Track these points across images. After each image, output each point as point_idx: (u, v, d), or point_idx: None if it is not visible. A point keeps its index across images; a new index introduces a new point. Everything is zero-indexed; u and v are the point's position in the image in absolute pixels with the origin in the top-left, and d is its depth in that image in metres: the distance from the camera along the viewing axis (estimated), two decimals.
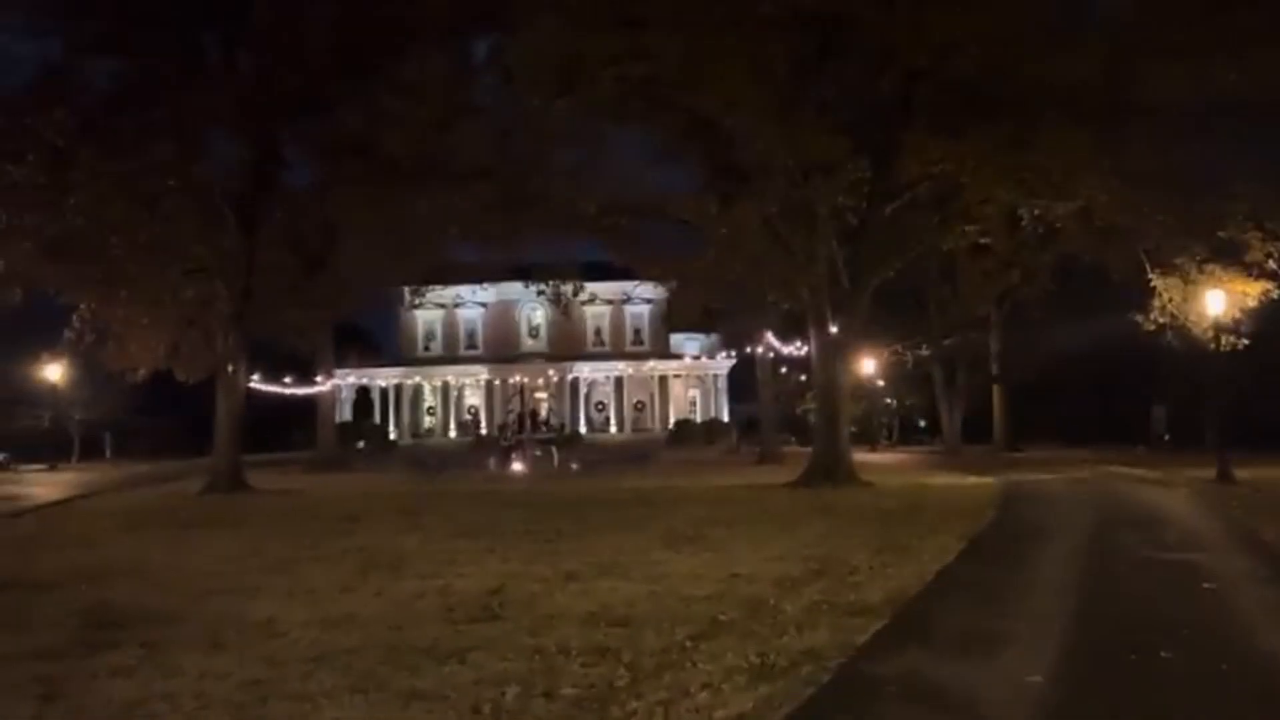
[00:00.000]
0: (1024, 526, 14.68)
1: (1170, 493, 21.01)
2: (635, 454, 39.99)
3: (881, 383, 52.15)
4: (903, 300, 49.73)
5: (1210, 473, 24.07)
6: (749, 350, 40.97)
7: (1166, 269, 24.38)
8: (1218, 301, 23.29)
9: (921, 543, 12.99)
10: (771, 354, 40.24)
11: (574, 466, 36.12)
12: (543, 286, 35.52)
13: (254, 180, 26.54)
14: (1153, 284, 24.89)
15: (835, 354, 25.24)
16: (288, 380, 40.18)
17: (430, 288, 44.35)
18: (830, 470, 24.79)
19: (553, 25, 18.42)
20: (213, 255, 26.39)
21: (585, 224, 22.31)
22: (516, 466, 36.29)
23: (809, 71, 21.97)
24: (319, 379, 40.17)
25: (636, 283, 53.63)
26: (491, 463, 37.33)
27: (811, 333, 26.23)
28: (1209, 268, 23.38)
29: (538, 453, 38.31)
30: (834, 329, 25.13)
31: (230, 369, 27.40)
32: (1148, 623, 7.92)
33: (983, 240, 23.16)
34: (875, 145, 24.28)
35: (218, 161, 26.52)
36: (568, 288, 35.02)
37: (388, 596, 9.87)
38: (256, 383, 39.62)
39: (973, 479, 26.44)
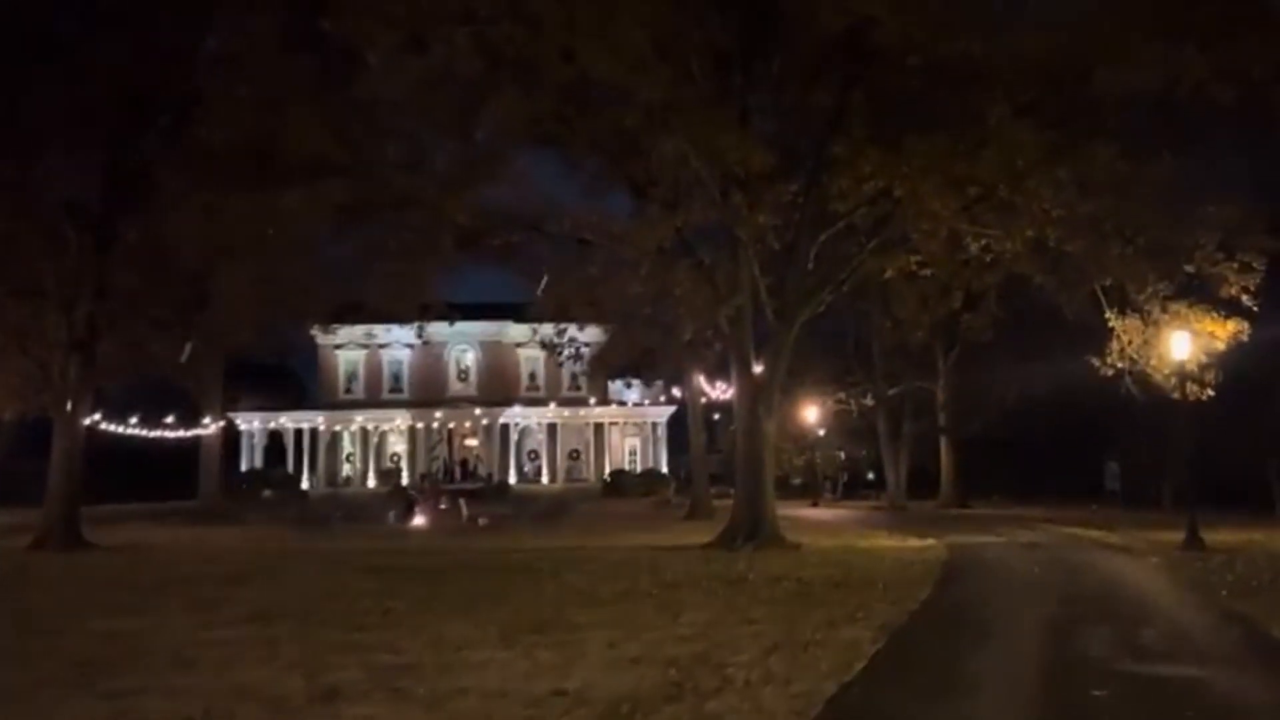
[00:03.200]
0: (962, 616, 11.52)
1: (1137, 564, 18.12)
2: (555, 507, 36.63)
3: (822, 432, 49.34)
4: (844, 346, 47.43)
5: (1173, 535, 21.43)
6: (680, 395, 37.88)
7: (1126, 307, 21.83)
8: (1183, 345, 20.70)
9: (829, 636, 9.90)
10: (703, 398, 37.26)
11: (481, 522, 32.69)
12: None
13: (103, 190, 23.18)
14: (1110, 324, 22.32)
15: (760, 397, 22.25)
16: (168, 422, 36.33)
17: (336, 326, 40.60)
18: (752, 530, 21.70)
19: None
20: (50, 275, 22.88)
21: (465, 238, 19.15)
22: (418, 521, 32.80)
23: (730, 68, 19.25)
24: (205, 421, 36.35)
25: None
26: (391, 516, 33.75)
27: (734, 373, 23.30)
28: (1174, 306, 20.84)
29: (443, 505, 34.80)
30: (758, 368, 22.21)
31: (69, 407, 23.76)
32: None
33: (921, 269, 20.39)
34: (806, 167, 21.76)
35: (59, 169, 23.07)
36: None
37: None
38: (132, 426, 35.95)
39: (914, 541, 23.48)
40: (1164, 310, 21.04)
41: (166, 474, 45.26)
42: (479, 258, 22.00)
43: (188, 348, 27.06)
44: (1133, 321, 21.92)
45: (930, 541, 22.96)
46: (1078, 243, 19.35)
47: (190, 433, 36.74)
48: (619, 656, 9.25)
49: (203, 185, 18.99)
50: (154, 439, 41.34)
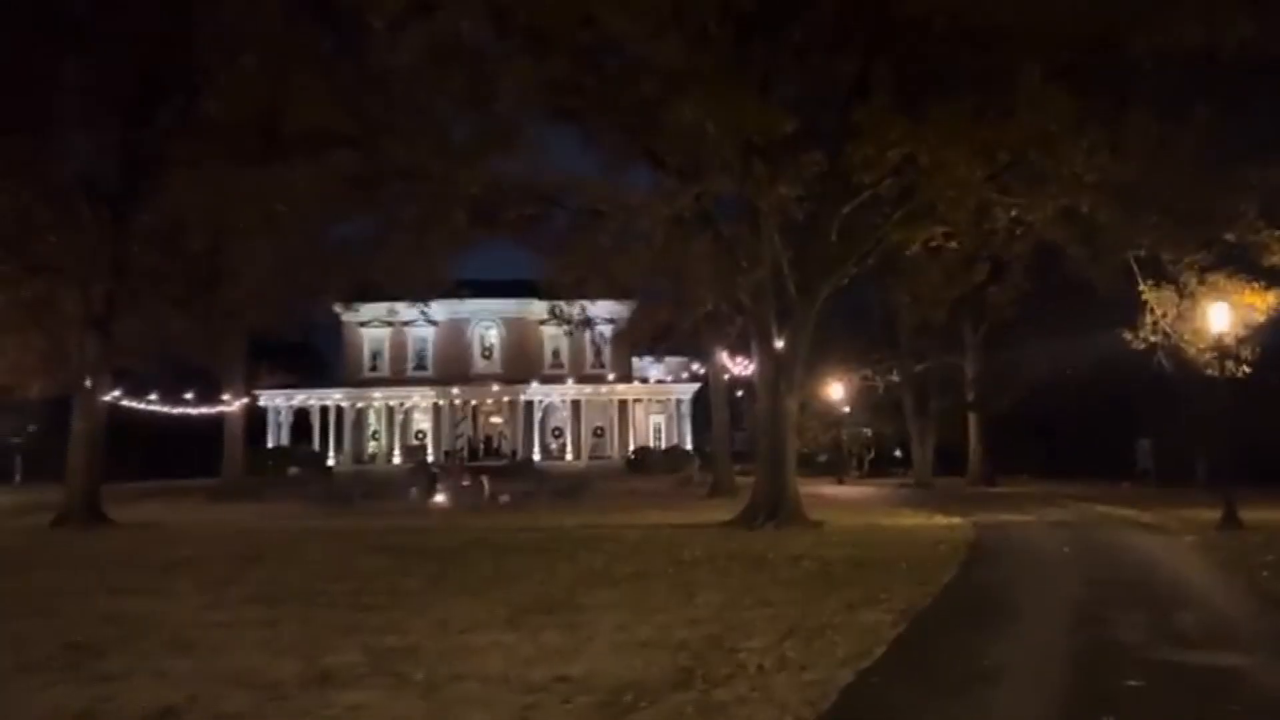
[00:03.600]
0: (988, 599, 11.04)
1: (1171, 543, 17.53)
2: (577, 485, 36.35)
3: (847, 409, 48.73)
4: (870, 321, 46.74)
5: (1208, 514, 20.75)
6: (703, 372, 37.40)
7: (1160, 279, 21.13)
8: (1220, 317, 19.96)
9: (848, 620, 9.50)
10: (726, 375, 36.77)
11: (503, 500, 32.48)
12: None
13: (120, 167, 22.95)
14: (1144, 297, 21.63)
15: (781, 374, 21.78)
16: (191, 400, 36.33)
17: (357, 305, 40.33)
18: (773, 508, 21.29)
19: None
20: (66, 252, 22.73)
21: (479, 212, 18.66)
22: (439, 499, 32.62)
23: (751, 34, 18.62)
24: (227, 399, 36.32)
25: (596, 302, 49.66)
26: (413, 493, 33.61)
27: (755, 348, 22.83)
28: (1211, 277, 20.11)
29: (465, 483, 34.60)
30: (779, 344, 21.71)
31: (88, 384, 23.68)
32: None
33: (947, 241, 19.71)
34: (828, 136, 21.13)
35: (75, 146, 22.87)
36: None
37: None
38: (155, 404, 36.01)
39: (939, 519, 22.99)
40: (1200, 281, 20.34)
41: (191, 452, 45.52)
42: (494, 232, 21.53)
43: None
44: (1167, 293, 21.24)
45: (956, 520, 22.45)
46: (1111, 210, 18.64)
47: (213, 410, 36.67)
48: (628, 640, 8.90)
49: (210, 160, 18.66)
50: (178, 416, 41.37)
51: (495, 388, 59.29)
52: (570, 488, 35.15)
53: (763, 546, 16.87)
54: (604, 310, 53.30)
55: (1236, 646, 8.23)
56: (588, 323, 32.07)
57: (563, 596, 11.55)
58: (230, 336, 34.22)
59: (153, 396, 39.35)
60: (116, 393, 37.86)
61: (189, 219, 19.91)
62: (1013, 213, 20.17)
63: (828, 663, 7.65)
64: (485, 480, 35.11)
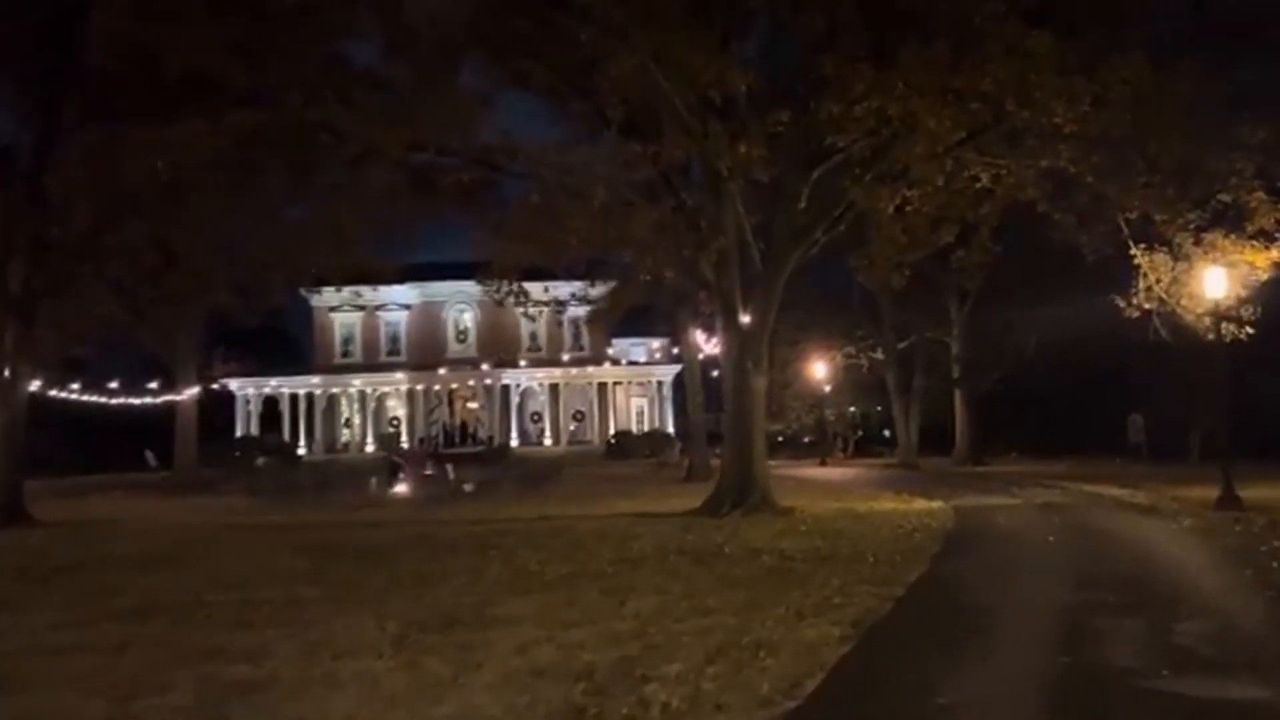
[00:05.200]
0: (956, 604, 9.45)
1: (1167, 528, 16.08)
2: (546, 471, 34.90)
3: (828, 389, 47.31)
4: (852, 296, 45.21)
5: (1204, 492, 19.42)
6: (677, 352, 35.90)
7: (1153, 242, 19.67)
8: (1218, 280, 18.53)
9: (788, 636, 7.99)
10: (700, 354, 35.29)
11: (466, 488, 30.99)
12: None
13: (33, 135, 21.24)
14: (1136, 261, 20.16)
15: (748, 350, 20.26)
16: (145, 389, 34.69)
17: (321, 289, 38.64)
18: (741, 495, 19.83)
19: None
20: None
21: (416, 180, 17.01)
22: (400, 489, 31.11)
23: None
24: (180, 388, 34.68)
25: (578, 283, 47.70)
26: (373, 483, 32.06)
27: (719, 324, 21.32)
28: (1207, 237, 18.65)
29: (428, 471, 33.06)
30: (745, 318, 20.18)
31: (6, 373, 22.05)
32: None
33: (907, 205, 18.13)
34: (797, 97, 19.57)
35: None
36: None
37: None
38: (114, 393, 34.42)
39: (919, 503, 21.55)
40: (1196, 243, 18.87)
41: (149, 444, 43.80)
42: (436, 205, 19.86)
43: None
44: (1161, 257, 19.79)
45: (937, 504, 21.02)
46: (1094, 165, 17.14)
47: (162, 399, 35.02)
48: (522, 667, 7.41)
49: (94, 120, 16.93)
50: (138, 407, 39.77)
51: (476, 370, 57.69)
52: (539, 474, 33.68)
53: (722, 538, 15.40)
54: (575, 290, 51.70)
55: (1254, 670, 6.59)
56: (560, 304, 30.51)
57: (474, 606, 10.06)
58: (179, 322, 32.51)
59: (113, 386, 37.71)
60: (75, 385, 36.28)
61: (73, 185, 18.15)
62: (987, 175, 18.67)
63: (747, 700, 6.15)
64: (450, 468, 33.61)
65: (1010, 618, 8.79)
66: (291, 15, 15.49)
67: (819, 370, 45.55)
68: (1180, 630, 7.86)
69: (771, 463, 25.16)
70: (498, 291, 20.58)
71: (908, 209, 17.70)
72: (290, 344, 63.88)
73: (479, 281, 22.27)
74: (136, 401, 35.00)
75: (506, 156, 17.57)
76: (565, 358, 57.67)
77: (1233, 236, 18.45)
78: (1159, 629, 7.89)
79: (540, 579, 11.94)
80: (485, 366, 57.41)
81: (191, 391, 35.81)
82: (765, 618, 8.82)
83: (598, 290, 43.90)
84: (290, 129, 15.55)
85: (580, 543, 15.63)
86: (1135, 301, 20.51)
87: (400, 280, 53.30)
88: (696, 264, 20.08)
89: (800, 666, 6.91)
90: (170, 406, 36.26)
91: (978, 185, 17.84)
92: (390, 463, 34.02)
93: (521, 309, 21.76)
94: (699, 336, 33.75)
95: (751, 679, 6.67)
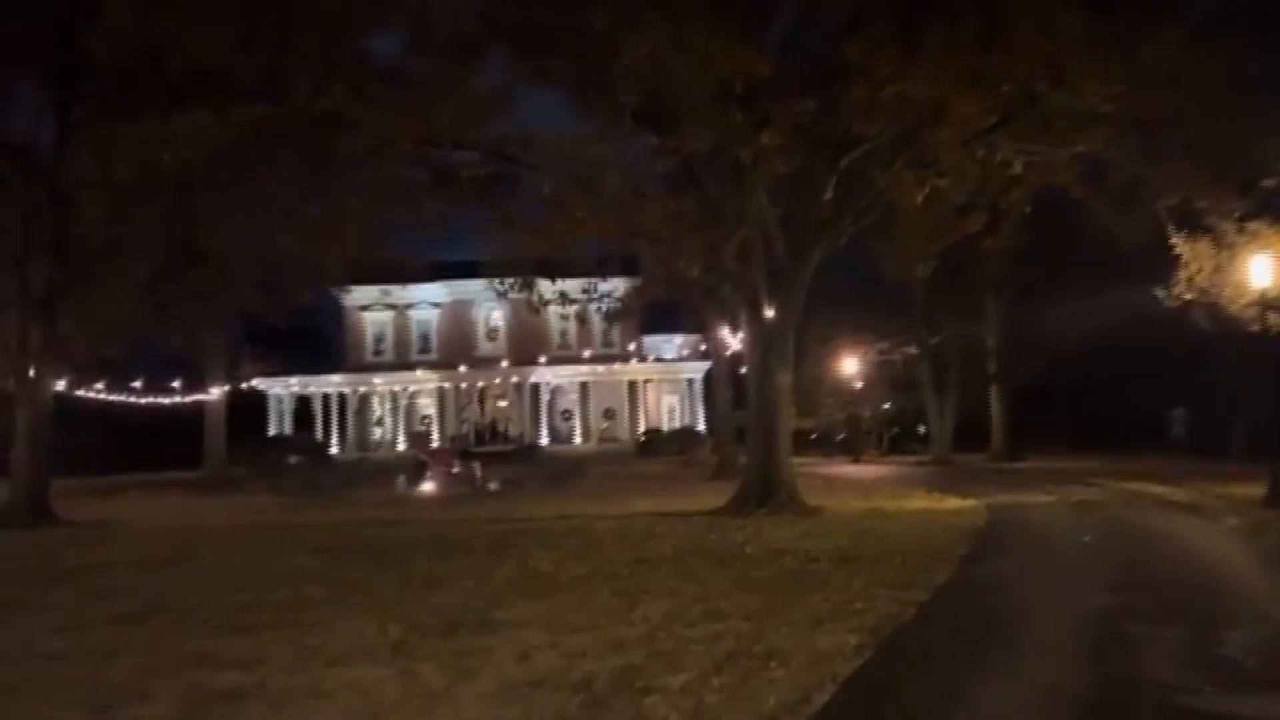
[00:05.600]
0: (983, 610, 8.90)
1: (1210, 528, 15.40)
2: (572, 469, 34.60)
3: (859, 385, 46.59)
4: (884, 291, 44.40)
5: (1249, 490, 18.74)
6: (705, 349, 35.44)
7: (1195, 230, 18.94)
8: (1264, 270, 17.80)
9: (803, 643, 7.56)
10: (728, 351, 34.81)
11: (492, 487, 30.74)
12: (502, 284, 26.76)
13: (57, 136, 21.21)
14: (1176, 251, 19.42)
15: (772, 345, 19.78)
16: (175, 388, 34.81)
17: (350, 287, 38.53)
18: (766, 493, 19.34)
19: None
20: None
21: (439, 176, 16.69)
22: (426, 487, 30.93)
23: None
24: (209, 387, 34.77)
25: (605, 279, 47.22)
26: (400, 482, 31.93)
27: (743, 319, 20.85)
28: (1252, 225, 17.91)
29: (455, 470, 32.86)
30: (769, 313, 19.70)
31: (30, 373, 22.06)
32: None
33: (953, 194, 17.55)
34: (822, 85, 19.04)
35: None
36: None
37: None
38: (143, 393, 34.57)
39: (951, 501, 20.97)
40: (1240, 230, 18.13)
41: (183, 443, 44.08)
42: (458, 200, 19.53)
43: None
44: (1203, 246, 19.04)
45: (970, 502, 20.43)
46: (1130, 148, 16.48)
47: (191, 399, 35.13)
48: (521, 676, 7.05)
49: (103, 115, 16.79)
50: (170, 407, 39.94)
51: (506, 369, 57.57)
52: (565, 473, 33.36)
53: (743, 538, 14.97)
54: (595, 284, 51.20)
55: None
56: (581, 300, 29.76)
57: (479, 610, 9.72)
58: (206, 321, 32.53)
59: (137, 385, 37.83)
60: (99, 385, 36.44)
61: (86, 182, 18.08)
62: (1019, 161, 18.02)
63: (749, 716, 5.73)
64: (476, 467, 33.38)
65: (1040, 626, 8.26)
66: (316, 11, 15.22)
67: (851, 366, 44.86)
68: (1224, 642, 7.31)
69: (802, 460, 24.72)
70: (516, 289, 20.19)
71: (939, 198, 17.10)
72: (322, 343, 64.09)
73: (488, 279, 21.80)
74: (166, 401, 35.08)
75: (521, 147, 17.21)
76: (587, 354, 57.17)
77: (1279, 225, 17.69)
78: (1201, 639, 7.33)
79: (552, 580, 11.60)
80: (515, 364, 57.31)
81: (220, 391, 35.89)
82: (780, 623, 8.40)
83: (610, 284, 43.55)
84: (300, 122, 15.30)
85: (597, 542, 15.27)
86: (1176, 292, 19.77)
87: (430, 278, 53.46)
88: (719, 257, 19.61)
89: (811, 678, 6.47)
90: (200, 406, 36.37)
91: (1009, 172, 17.19)
92: (416, 461, 33.86)
93: (541, 306, 21.21)
94: (726, 333, 33.24)
95: (758, 691, 6.25)
